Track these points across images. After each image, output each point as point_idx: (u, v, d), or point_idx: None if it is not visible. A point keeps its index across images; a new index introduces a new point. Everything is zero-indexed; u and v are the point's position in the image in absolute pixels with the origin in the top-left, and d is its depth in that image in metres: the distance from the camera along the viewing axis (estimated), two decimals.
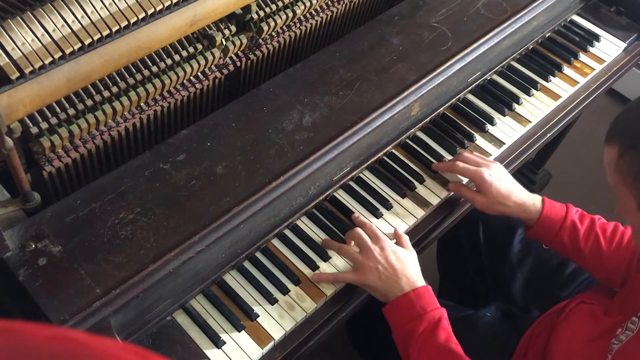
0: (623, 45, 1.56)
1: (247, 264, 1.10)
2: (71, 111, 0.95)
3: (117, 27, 0.92)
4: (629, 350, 0.91)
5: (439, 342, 1.01)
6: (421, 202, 1.23)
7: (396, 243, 1.13)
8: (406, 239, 1.14)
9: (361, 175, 1.24)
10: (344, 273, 1.09)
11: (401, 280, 1.05)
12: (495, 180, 1.17)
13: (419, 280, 1.07)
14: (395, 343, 1.06)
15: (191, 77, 1.12)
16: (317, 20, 1.30)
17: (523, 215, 1.19)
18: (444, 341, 1.01)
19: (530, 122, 1.39)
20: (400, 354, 1.05)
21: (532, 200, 1.19)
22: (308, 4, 1.22)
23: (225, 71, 1.17)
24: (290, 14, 1.20)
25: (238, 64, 1.19)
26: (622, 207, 0.94)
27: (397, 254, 1.08)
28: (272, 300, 1.07)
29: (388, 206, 1.21)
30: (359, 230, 1.11)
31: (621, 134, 0.91)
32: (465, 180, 1.25)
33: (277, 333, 1.03)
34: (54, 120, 0.94)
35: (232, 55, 1.16)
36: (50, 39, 0.86)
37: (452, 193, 1.25)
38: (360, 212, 1.19)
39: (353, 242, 1.13)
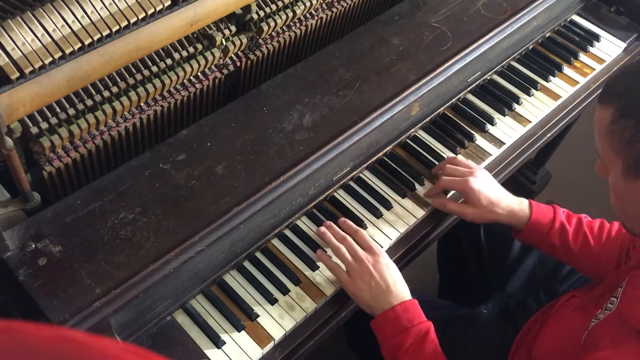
0: (623, 45, 1.56)
1: (247, 264, 1.10)
2: (71, 111, 0.95)
3: (117, 27, 0.92)
4: (601, 326, 0.92)
5: (426, 355, 1.00)
6: (421, 202, 1.23)
7: None
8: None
9: (361, 175, 1.24)
10: (341, 271, 1.08)
11: (391, 295, 1.04)
12: (483, 188, 1.16)
13: (407, 295, 1.06)
14: (384, 358, 1.05)
15: (191, 77, 1.12)
16: (317, 20, 1.30)
17: (513, 221, 1.18)
18: (431, 354, 1.00)
19: (530, 122, 1.39)
20: None
21: (520, 205, 1.18)
22: (308, 4, 1.22)
23: (225, 71, 1.17)
24: (290, 14, 1.20)
25: (238, 64, 1.19)
26: (603, 167, 0.95)
27: (389, 267, 1.07)
28: (272, 300, 1.07)
29: (388, 206, 1.21)
30: (349, 240, 1.10)
31: (618, 99, 0.89)
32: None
33: (277, 333, 1.03)
34: (54, 120, 0.94)
35: (232, 55, 1.16)
36: (50, 39, 0.86)
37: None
38: (360, 212, 1.19)
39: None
